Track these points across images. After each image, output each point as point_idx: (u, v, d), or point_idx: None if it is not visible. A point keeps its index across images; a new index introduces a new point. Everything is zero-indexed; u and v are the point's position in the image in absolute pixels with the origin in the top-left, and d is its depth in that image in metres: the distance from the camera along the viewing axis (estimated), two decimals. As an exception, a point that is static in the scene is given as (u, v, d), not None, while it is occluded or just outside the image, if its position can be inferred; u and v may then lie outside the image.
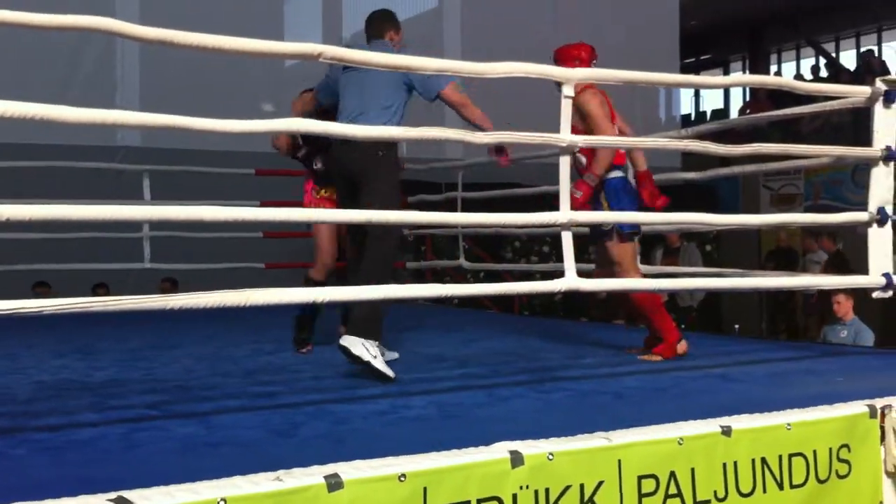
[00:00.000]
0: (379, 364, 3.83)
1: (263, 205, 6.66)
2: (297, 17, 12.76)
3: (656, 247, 9.32)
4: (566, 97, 3.53)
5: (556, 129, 3.52)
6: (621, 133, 4.56)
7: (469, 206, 7.12)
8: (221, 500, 1.98)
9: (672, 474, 2.59)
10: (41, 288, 8.19)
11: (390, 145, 4.23)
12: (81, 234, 6.30)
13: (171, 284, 8.34)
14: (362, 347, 3.84)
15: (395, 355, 4.34)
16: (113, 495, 1.95)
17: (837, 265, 9.03)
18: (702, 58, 20.82)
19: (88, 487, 2.01)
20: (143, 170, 6.97)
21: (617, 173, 4.50)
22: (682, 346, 4.48)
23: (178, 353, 4.83)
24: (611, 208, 4.41)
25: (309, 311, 4.77)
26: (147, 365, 4.44)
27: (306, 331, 4.81)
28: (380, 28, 4.52)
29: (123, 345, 5.12)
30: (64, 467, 2.47)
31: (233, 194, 7.06)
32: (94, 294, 8.83)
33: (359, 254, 4.22)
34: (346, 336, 3.91)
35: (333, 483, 2.12)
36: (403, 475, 2.21)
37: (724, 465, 2.69)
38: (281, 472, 2.13)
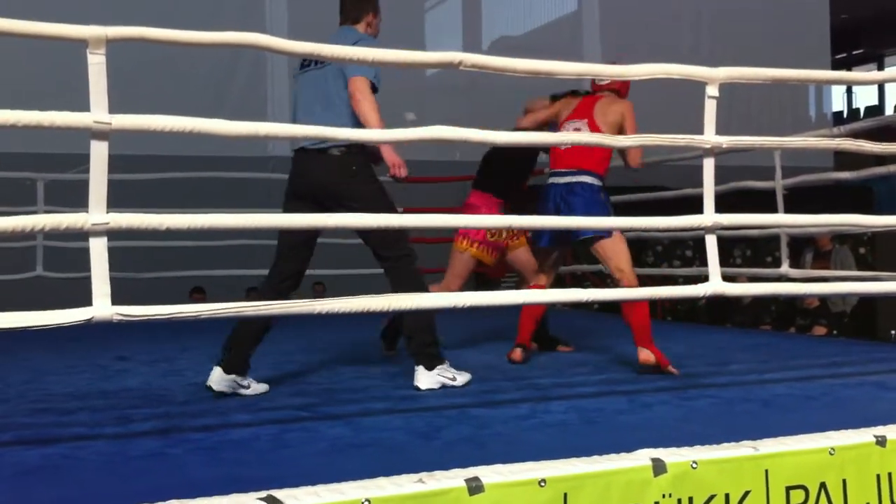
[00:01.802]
0: (460, 381, 3.85)
1: (406, 211, 6.81)
2: (438, 25, 12.94)
3: (806, 250, 8.99)
4: (711, 97, 3.44)
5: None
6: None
7: (616, 210, 7.04)
8: (366, 500, 2.03)
9: (822, 485, 2.51)
10: (198, 294, 8.58)
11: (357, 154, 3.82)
12: (235, 242, 6.57)
13: (323, 288, 8.65)
14: (432, 379, 3.82)
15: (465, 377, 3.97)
16: (263, 494, 2.02)
17: None
18: (854, 53, 20.00)
19: (240, 486, 2.09)
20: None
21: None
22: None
23: (325, 357, 4.97)
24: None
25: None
26: (297, 367, 4.59)
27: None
28: (357, 10, 4.02)
29: (276, 347, 5.29)
30: (218, 466, 2.58)
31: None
32: (247, 297, 9.19)
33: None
34: (418, 377, 3.83)
35: (474, 486, 2.14)
36: (544, 480, 2.21)
37: (878, 476, 2.58)
38: (423, 475, 2.16)
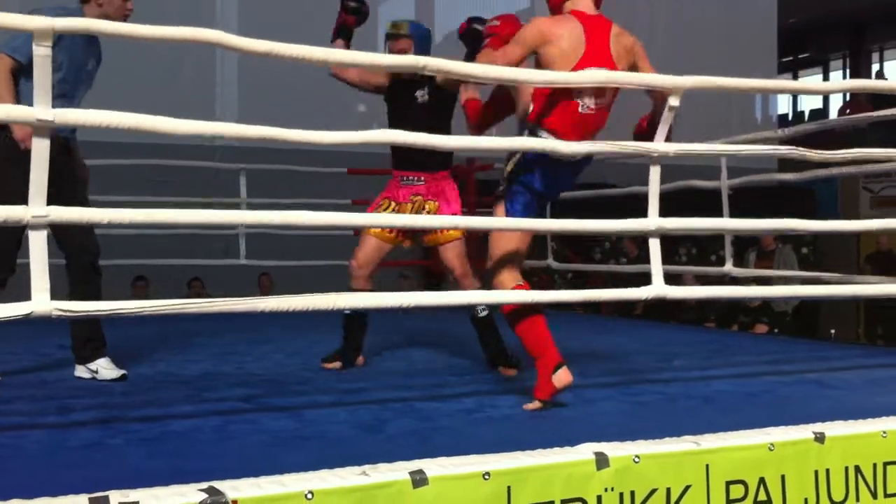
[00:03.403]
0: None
1: (355, 202, 6.78)
2: (391, 18, 12.89)
3: (750, 249, 9.12)
4: (671, 107, 3.38)
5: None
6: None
7: (559, 206, 7.08)
8: (309, 492, 2.02)
9: (762, 480, 2.55)
10: (140, 283, 8.47)
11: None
12: (179, 231, 6.48)
13: (269, 279, 8.57)
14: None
15: None
16: (204, 485, 2.00)
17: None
18: (800, 56, 20.32)
19: (182, 477, 2.07)
20: (240, 168, 7.15)
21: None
22: (562, 378, 3.31)
23: (270, 348, 4.93)
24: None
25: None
26: (240, 359, 4.55)
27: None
28: None
29: (218, 339, 5.25)
30: (159, 457, 2.55)
31: (326, 192, 7.18)
32: (190, 288, 9.11)
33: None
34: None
35: (418, 479, 2.14)
36: (488, 473, 2.22)
37: (816, 472, 2.62)
38: (367, 467, 2.16)
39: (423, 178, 4.27)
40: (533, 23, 3.35)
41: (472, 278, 4.29)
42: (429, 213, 4.22)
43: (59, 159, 3.29)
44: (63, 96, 3.53)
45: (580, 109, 3.36)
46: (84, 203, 3.65)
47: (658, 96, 3.47)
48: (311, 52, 2.94)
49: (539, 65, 3.35)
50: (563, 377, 3.28)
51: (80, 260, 3.83)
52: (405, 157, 4.22)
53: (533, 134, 3.37)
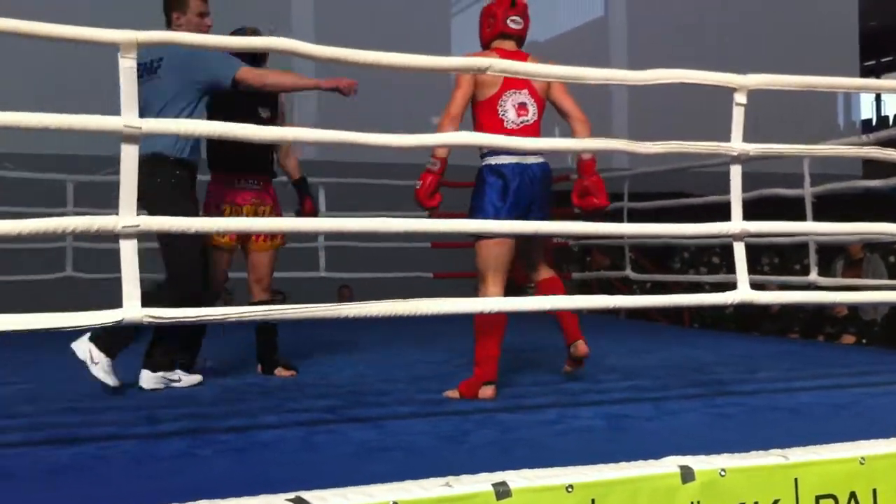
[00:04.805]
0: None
1: (432, 215, 6.81)
2: (464, 30, 12.95)
3: (837, 258, 8.91)
4: (738, 105, 3.41)
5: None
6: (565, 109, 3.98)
7: (636, 217, 7.03)
8: (393, 503, 2.04)
9: (853, 495, 2.48)
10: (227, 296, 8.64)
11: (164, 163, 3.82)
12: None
13: (350, 291, 8.67)
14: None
15: None
16: (292, 495, 2.03)
17: None
18: (882, 60, 19.83)
19: (269, 488, 2.10)
20: (319, 182, 7.25)
21: (494, 159, 3.84)
22: (487, 391, 3.74)
23: (350, 359, 4.98)
24: (471, 204, 3.89)
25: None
26: (322, 369, 4.61)
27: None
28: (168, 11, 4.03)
29: (299, 350, 5.32)
30: (246, 468, 2.60)
31: (402, 205, 7.22)
32: (273, 301, 9.24)
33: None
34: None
35: (501, 491, 2.14)
36: (571, 486, 2.20)
37: (910, 487, 2.55)
38: (450, 479, 2.16)
39: (259, 183, 4.44)
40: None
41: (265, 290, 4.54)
42: (265, 216, 4.40)
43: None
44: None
45: (505, 125, 3.81)
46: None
47: (572, 120, 3.94)
48: (385, 57, 2.97)
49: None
50: (487, 392, 3.74)
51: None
52: (243, 161, 4.33)
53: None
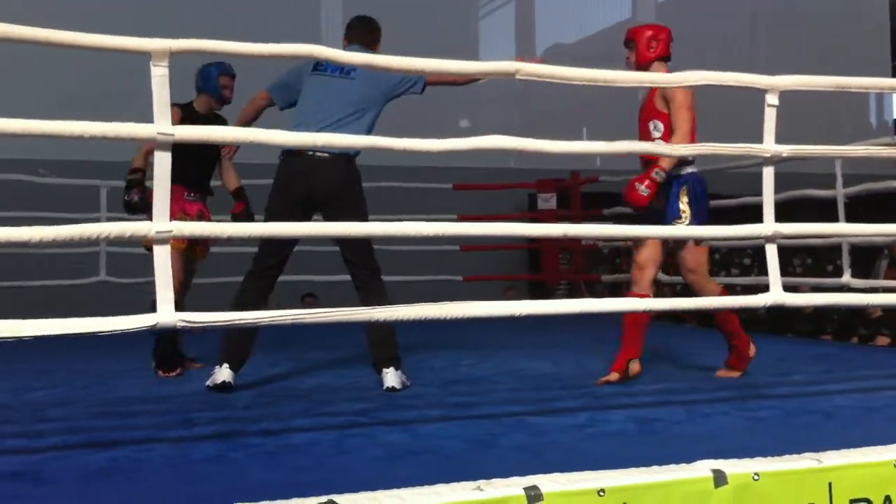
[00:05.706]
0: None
1: (461, 219, 6.83)
2: (492, 33, 12.95)
3: (880, 258, 8.81)
4: (770, 106, 3.41)
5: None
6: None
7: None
8: (425, 506, 2.05)
9: (887, 499, 2.46)
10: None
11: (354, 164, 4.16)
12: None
13: (314, 299, 8.74)
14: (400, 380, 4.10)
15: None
16: (324, 499, 2.04)
17: None
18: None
19: (300, 491, 2.11)
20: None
21: (691, 169, 4.18)
22: (635, 367, 4.25)
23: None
24: (690, 210, 4.13)
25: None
26: (353, 373, 4.63)
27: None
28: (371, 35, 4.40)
29: (332, 353, 5.35)
30: (278, 471, 2.62)
31: (432, 208, 7.26)
32: (303, 303, 9.32)
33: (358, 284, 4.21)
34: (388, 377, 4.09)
35: (533, 495, 2.14)
36: (603, 490, 2.20)
37: (947, 490, 2.53)
38: (481, 482, 2.17)
39: (202, 197, 4.94)
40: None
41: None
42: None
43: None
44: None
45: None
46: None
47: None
48: (415, 63, 2.98)
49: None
50: (635, 367, 4.22)
51: (359, 271, 4.20)
52: (193, 178, 4.76)
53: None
